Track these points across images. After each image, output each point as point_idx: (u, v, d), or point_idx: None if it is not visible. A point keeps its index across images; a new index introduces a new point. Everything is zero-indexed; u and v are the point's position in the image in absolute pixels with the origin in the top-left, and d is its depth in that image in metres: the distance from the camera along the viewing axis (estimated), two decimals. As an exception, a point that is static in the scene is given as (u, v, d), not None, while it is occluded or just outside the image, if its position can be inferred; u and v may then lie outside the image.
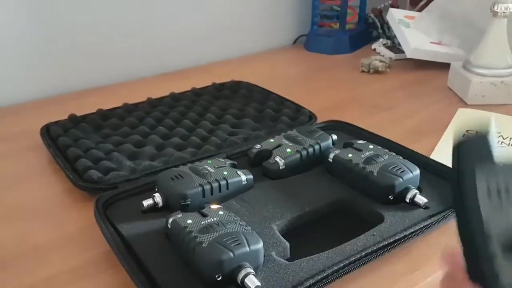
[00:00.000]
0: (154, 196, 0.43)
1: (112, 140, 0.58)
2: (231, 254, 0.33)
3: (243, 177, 0.45)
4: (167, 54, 0.88)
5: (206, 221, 0.37)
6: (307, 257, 0.37)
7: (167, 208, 0.43)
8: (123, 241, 0.39)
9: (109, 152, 0.54)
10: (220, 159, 0.48)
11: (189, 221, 0.37)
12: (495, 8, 0.67)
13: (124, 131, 0.60)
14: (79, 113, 0.64)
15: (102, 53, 0.80)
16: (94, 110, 0.65)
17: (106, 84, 0.80)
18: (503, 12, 0.67)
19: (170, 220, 0.38)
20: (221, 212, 0.38)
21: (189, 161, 0.49)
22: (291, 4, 1.02)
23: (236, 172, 0.46)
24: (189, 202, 0.42)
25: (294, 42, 1.04)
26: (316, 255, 0.37)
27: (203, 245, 0.34)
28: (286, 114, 0.64)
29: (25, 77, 0.74)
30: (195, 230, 0.36)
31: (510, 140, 0.58)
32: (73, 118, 0.63)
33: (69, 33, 0.76)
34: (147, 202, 0.43)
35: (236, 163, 0.48)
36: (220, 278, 0.33)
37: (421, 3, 1.00)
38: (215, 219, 0.37)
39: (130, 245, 0.39)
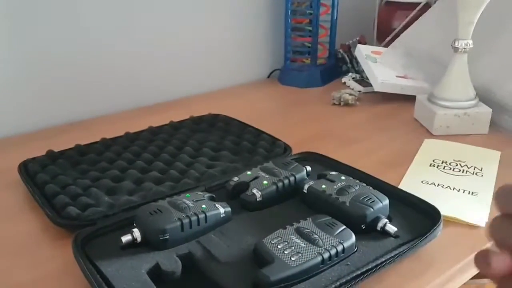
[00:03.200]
0: (132, 231, 0.44)
1: (90, 175, 0.58)
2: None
3: (221, 210, 0.47)
4: (144, 88, 0.89)
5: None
6: (285, 288, 0.38)
7: (146, 243, 0.43)
8: (103, 278, 0.39)
9: (87, 188, 0.55)
10: (199, 192, 0.49)
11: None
12: (456, 44, 0.72)
13: (102, 166, 0.61)
14: (57, 148, 0.64)
15: (78, 87, 0.81)
16: (72, 146, 0.65)
17: (84, 119, 0.81)
18: (464, 48, 0.72)
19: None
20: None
21: (167, 195, 0.50)
22: (265, 41, 1.07)
23: (215, 205, 0.47)
24: (168, 237, 0.43)
25: (269, 76, 1.08)
26: (294, 286, 0.38)
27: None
28: (262, 147, 0.66)
29: (2, 112, 0.74)
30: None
31: (474, 169, 0.62)
32: (51, 154, 0.63)
33: (46, 69, 0.77)
34: (125, 238, 0.43)
35: (214, 196, 0.49)
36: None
37: (387, 39, 1.06)
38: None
39: (110, 282, 0.39)
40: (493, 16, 0.76)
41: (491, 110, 0.73)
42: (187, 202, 0.46)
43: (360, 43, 1.05)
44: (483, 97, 0.76)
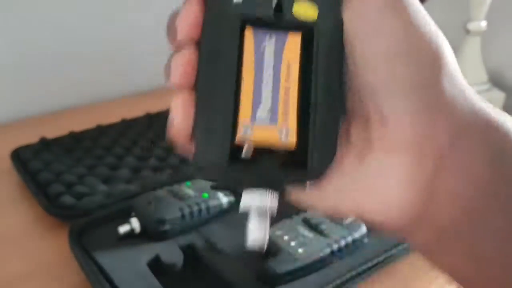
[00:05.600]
0: (131, 222, 0.42)
1: (85, 163, 0.56)
2: None
3: (224, 199, 0.45)
4: (141, 74, 0.87)
5: None
6: (292, 282, 0.36)
7: (145, 234, 0.41)
8: (100, 270, 0.37)
9: (82, 176, 0.53)
10: (200, 181, 0.47)
11: None
12: (468, 26, 0.70)
13: (98, 153, 0.58)
14: (50, 135, 0.62)
15: (72, 73, 0.79)
16: (65, 133, 0.63)
17: (78, 105, 0.78)
18: (476, 30, 0.69)
19: None
20: None
21: (167, 184, 0.48)
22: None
23: (217, 194, 0.45)
24: (168, 228, 0.41)
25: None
26: (300, 279, 0.36)
27: None
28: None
29: (-8, 98, 0.72)
30: None
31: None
32: (44, 141, 0.61)
33: (39, 54, 0.74)
34: (123, 229, 0.41)
35: (216, 184, 0.47)
36: None
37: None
38: None
39: (108, 274, 0.37)
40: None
41: (504, 94, 0.71)
42: (188, 191, 0.44)
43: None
44: (496, 80, 0.75)
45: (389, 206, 0.19)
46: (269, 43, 0.19)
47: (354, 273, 0.37)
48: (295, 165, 0.19)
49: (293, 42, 0.19)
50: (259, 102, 0.19)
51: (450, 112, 0.18)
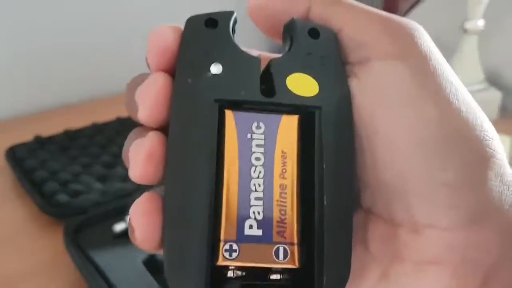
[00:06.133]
0: (126, 220, 0.42)
1: (81, 161, 0.56)
2: None
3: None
4: (136, 71, 0.86)
5: None
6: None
7: (141, 232, 0.41)
8: (96, 268, 0.37)
9: (78, 175, 0.52)
10: (195, 179, 0.47)
11: None
12: (465, 25, 0.70)
13: (93, 151, 0.58)
14: (45, 133, 0.62)
15: (68, 71, 0.78)
16: (61, 131, 0.63)
17: (73, 103, 0.78)
18: (474, 29, 0.69)
19: None
20: None
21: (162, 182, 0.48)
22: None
23: (212, 192, 0.45)
24: (164, 225, 0.41)
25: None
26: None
27: None
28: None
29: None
30: None
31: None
32: (39, 139, 0.60)
33: (34, 53, 0.74)
34: (119, 227, 0.41)
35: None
36: None
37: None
38: None
39: (103, 272, 0.37)
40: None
41: (501, 93, 0.72)
42: (184, 189, 0.44)
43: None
44: (493, 80, 0.75)
45: None
46: (257, 129, 0.15)
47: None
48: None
49: (288, 126, 0.15)
50: (247, 210, 0.14)
51: (499, 215, 0.15)
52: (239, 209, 0.14)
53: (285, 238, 0.14)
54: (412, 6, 0.97)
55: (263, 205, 0.14)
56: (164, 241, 0.14)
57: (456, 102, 0.15)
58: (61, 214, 0.46)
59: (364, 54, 0.15)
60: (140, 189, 0.48)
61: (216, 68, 0.14)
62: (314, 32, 0.16)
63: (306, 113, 0.15)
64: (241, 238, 0.14)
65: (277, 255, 0.14)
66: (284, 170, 0.15)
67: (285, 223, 0.14)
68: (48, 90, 0.77)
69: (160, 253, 0.15)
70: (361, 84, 0.15)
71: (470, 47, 0.71)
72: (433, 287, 0.15)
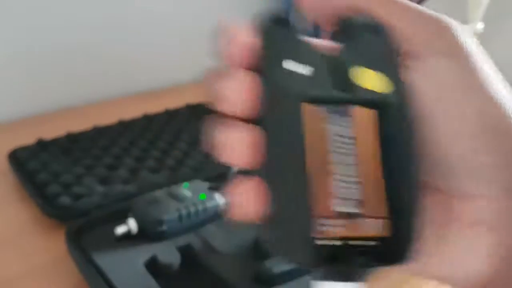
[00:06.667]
0: (128, 222, 0.42)
1: (83, 164, 0.56)
2: None
3: (222, 200, 0.45)
4: (139, 74, 0.87)
5: None
6: (289, 282, 0.36)
7: (143, 234, 0.42)
8: (98, 271, 0.37)
9: (80, 177, 0.53)
10: (198, 182, 0.47)
11: None
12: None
13: (95, 154, 0.58)
14: (47, 136, 0.62)
15: (70, 73, 0.79)
16: (63, 133, 0.63)
17: (75, 106, 0.78)
18: (473, 31, 0.70)
19: None
20: None
21: (165, 185, 0.48)
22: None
23: (214, 195, 0.45)
24: (165, 228, 0.41)
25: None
26: (297, 279, 0.37)
27: None
28: (261, 135, 0.64)
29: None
30: None
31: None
32: (41, 142, 0.60)
33: (36, 55, 0.74)
34: (120, 229, 0.41)
35: (214, 185, 0.47)
36: None
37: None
38: None
39: (106, 275, 0.37)
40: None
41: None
42: (186, 192, 0.44)
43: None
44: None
45: (470, 281, 0.18)
46: (341, 123, 0.17)
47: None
48: (380, 253, 0.17)
49: (362, 116, 0.17)
50: (341, 192, 0.17)
51: None
52: (333, 188, 0.16)
53: (374, 212, 0.17)
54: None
55: (353, 187, 0.17)
56: (271, 217, 0.16)
57: (497, 95, 0.17)
58: (63, 217, 0.46)
59: (416, 49, 0.18)
60: (142, 191, 0.48)
61: (295, 66, 0.16)
62: (372, 28, 0.17)
63: (379, 106, 0.17)
64: (336, 214, 0.16)
65: (368, 227, 0.17)
66: (364, 154, 0.17)
67: (371, 199, 0.17)
68: (50, 93, 0.77)
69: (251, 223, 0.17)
70: (419, 78, 0.17)
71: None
72: (484, 245, 0.17)
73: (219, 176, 0.52)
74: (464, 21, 0.70)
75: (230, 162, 0.17)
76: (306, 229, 0.16)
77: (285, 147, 0.16)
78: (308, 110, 0.16)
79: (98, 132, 0.64)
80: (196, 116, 0.72)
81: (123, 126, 0.67)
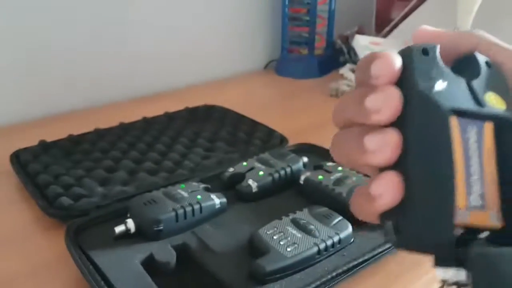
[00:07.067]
0: (126, 222, 0.43)
1: (83, 166, 0.57)
2: None
3: (217, 200, 0.46)
4: (139, 78, 0.88)
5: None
6: (280, 280, 0.37)
7: (140, 234, 0.43)
8: (96, 269, 0.39)
9: (80, 178, 0.54)
10: (194, 183, 0.48)
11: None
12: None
13: (96, 156, 0.60)
14: (49, 139, 0.63)
15: (72, 77, 0.80)
16: (64, 136, 0.64)
17: (77, 109, 0.80)
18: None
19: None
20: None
21: (162, 186, 0.50)
22: (262, 30, 1.05)
23: (210, 195, 0.46)
24: (162, 228, 0.42)
25: (265, 67, 1.07)
26: (289, 277, 0.38)
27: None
28: (259, 138, 0.65)
29: (-7, 102, 0.73)
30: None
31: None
32: (43, 144, 0.62)
33: (39, 59, 0.76)
34: (119, 229, 0.42)
35: (209, 186, 0.49)
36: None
37: (386, 30, 1.05)
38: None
39: (104, 273, 0.38)
40: (493, 4, 0.76)
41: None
42: (182, 192, 0.45)
43: (358, 33, 1.04)
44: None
45: None
46: (472, 132, 0.20)
47: (340, 270, 0.38)
48: (493, 242, 0.20)
49: (489, 130, 0.21)
50: (471, 189, 0.20)
51: None
52: (466, 186, 0.20)
53: (494, 207, 0.20)
54: (404, 16, 0.99)
55: (480, 185, 0.20)
56: (409, 205, 0.20)
57: None
58: (63, 217, 0.47)
59: None
60: (140, 192, 0.49)
61: (439, 86, 0.20)
62: (488, 63, 0.22)
63: (501, 122, 0.21)
64: (468, 207, 0.20)
65: (490, 219, 0.20)
66: (489, 163, 0.21)
67: (493, 197, 0.21)
68: (52, 97, 0.78)
69: (375, 219, 0.21)
70: None
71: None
72: None
73: (214, 177, 0.53)
74: (454, 27, 0.71)
75: (377, 161, 0.20)
76: (448, 217, 0.19)
77: (432, 147, 0.20)
78: (454, 121, 0.20)
79: (99, 135, 0.65)
80: (195, 119, 0.73)
81: (123, 129, 0.68)
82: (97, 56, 0.82)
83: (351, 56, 1.04)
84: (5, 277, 0.41)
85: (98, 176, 0.55)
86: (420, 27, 0.24)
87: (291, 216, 0.42)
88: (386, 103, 0.20)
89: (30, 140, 0.62)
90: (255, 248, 0.40)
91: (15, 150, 0.60)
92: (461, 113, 0.20)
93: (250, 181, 0.49)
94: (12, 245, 0.45)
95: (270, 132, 0.66)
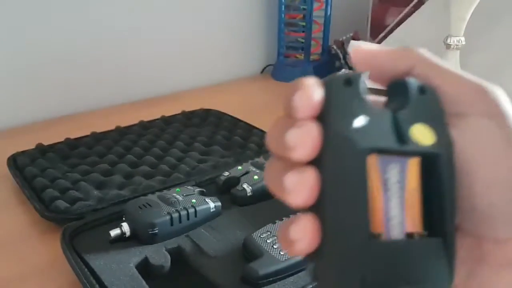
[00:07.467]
0: (121, 225, 0.43)
1: (80, 169, 0.58)
2: None
3: (211, 204, 0.46)
4: (135, 82, 0.89)
5: None
6: (273, 283, 0.38)
7: (135, 237, 0.43)
8: (91, 272, 0.39)
9: (77, 182, 0.54)
10: (189, 187, 0.49)
11: None
12: (448, 41, 0.72)
13: (92, 160, 0.60)
14: (46, 142, 0.64)
15: (69, 81, 0.81)
16: (61, 139, 0.65)
17: (74, 113, 0.80)
18: (456, 44, 0.72)
19: None
20: None
21: (157, 190, 0.50)
22: (259, 35, 1.06)
23: (205, 199, 0.47)
24: (157, 231, 0.43)
25: (262, 72, 1.07)
26: (282, 281, 0.38)
27: None
28: (254, 142, 0.66)
29: (-10, 106, 0.74)
30: None
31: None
32: (40, 148, 0.62)
33: (36, 63, 0.76)
34: (114, 232, 0.43)
35: (204, 190, 0.49)
36: None
37: (381, 36, 1.06)
38: None
39: (98, 276, 0.39)
40: (486, 11, 0.77)
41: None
42: (177, 196, 0.46)
43: (353, 39, 1.05)
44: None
45: None
46: (393, 171, 0.19)
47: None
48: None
49: (414, 166, 0.19)
50: (390, 233, 0.19)
51: None
52: (385, 229, 0.19)
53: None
54: (399, 22, 1.00)
55: (400, 229, 0.19)
56: (330, 253, 0.18)
57: None
58: (59, 220, 0.48)
59: (460, 110, 0.20)
60: (135, 196, 0.49)
61: (359, 122, 0.18)
62: (422, 89, 0.20)
63: (427, 157, 0.19)
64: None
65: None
66: (412, 198, 0.19)
67: (411, 227, 0.20)
68: (50, 100, 0.79)
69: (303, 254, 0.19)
70: (461, 135, 0.19)
71: (452, 61, 0.74)
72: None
73: (210, 181, 0.54)
74: (448, 35, 0.72)
75: (292, 201, 0.18)
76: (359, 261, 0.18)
77: (348, 189, 0.18)
78: (372, 160, 0.19)
79: (96, 139, 0.66)
80: (191, 123, 0.74)
81: (120, 133, 0.68)
82: (94, 60, 0.82)
83: (347, 61, 1.05)
84: (0, 280, 0.41)
85: (94, 179, 0.55)
86: (354, 45, 0.23)
87: (285, 220, 0.43)
88: (302, 140, 0.18)
89: (27, 144, 0.63)
90: (249, 252, 0.41)
91: (12, 153, 0.61)
92: (381, 151, 0.19)
93: (245, 185, 0.50)
94: (8, 248, 0.46)
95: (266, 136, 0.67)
